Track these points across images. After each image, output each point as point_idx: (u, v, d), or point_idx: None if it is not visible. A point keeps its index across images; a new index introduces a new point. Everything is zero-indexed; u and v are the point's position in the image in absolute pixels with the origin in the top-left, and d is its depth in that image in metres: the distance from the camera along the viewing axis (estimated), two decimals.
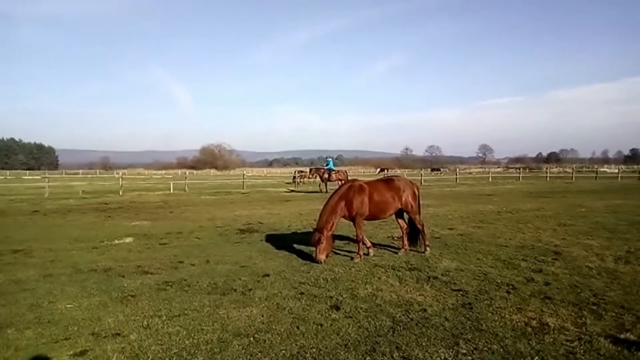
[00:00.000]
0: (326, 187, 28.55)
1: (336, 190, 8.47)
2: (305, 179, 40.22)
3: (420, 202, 9.20)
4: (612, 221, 12.92)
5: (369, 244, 8.58)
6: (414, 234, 8.87)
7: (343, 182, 28.23)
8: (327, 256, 7.92)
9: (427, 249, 8.69)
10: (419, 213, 8.96)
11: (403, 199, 8.61)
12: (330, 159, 30.39)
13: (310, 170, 31.20)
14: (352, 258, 8.14)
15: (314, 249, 7.96)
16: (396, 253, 8.61)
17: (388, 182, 8.89)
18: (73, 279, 6.95)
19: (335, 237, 8.66)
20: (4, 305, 5.63)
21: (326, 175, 28.75)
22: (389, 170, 56.03)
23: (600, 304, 5.56)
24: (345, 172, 32.00)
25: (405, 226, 8.97)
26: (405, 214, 8.94)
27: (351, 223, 8.65)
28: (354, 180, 8.82)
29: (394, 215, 8.97)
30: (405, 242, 8.82)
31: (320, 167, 30.90)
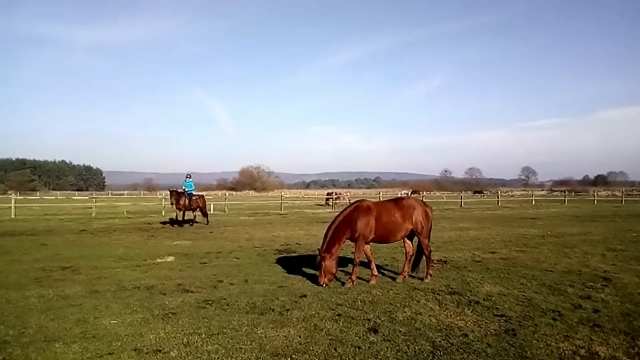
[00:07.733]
0: (183, 216, 20.75)
1: (342, 211, 8.14)
2: (338, 200, 40.19)
3: (432, 226, 8.70)
4: None
5: (354, 277, 7.84)
6: (419, 257, 8.46)
7: (202, 207, 21.85)
8: (330, 280, 7.66)
9: (429, 277, 8.15)
10: (429, 237, 8.51)
11: (414, 218, 8.17)
12: (190, 180, 21.82)
13: (171, 193, 21.23)
14: (393, 279, 8.01)
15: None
16: (424, 278, 8.19)
17: (398, 201, 8.55)
18: (117, 295, 7.17)
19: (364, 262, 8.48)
20: (53, 320, 5.86)
21: (186, 202, 20.71)
22: (421, 193, 54.79)
23: None
24: (203, 196, 23.03)
25: (411, 251, 8.50)
26: (415, 237, 8.50)
27: (381, 246, 8.32)
28: (362, 200, 8.45)
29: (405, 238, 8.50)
30: (406, 268, 8.37)
31: (182, 190, 21.25)
